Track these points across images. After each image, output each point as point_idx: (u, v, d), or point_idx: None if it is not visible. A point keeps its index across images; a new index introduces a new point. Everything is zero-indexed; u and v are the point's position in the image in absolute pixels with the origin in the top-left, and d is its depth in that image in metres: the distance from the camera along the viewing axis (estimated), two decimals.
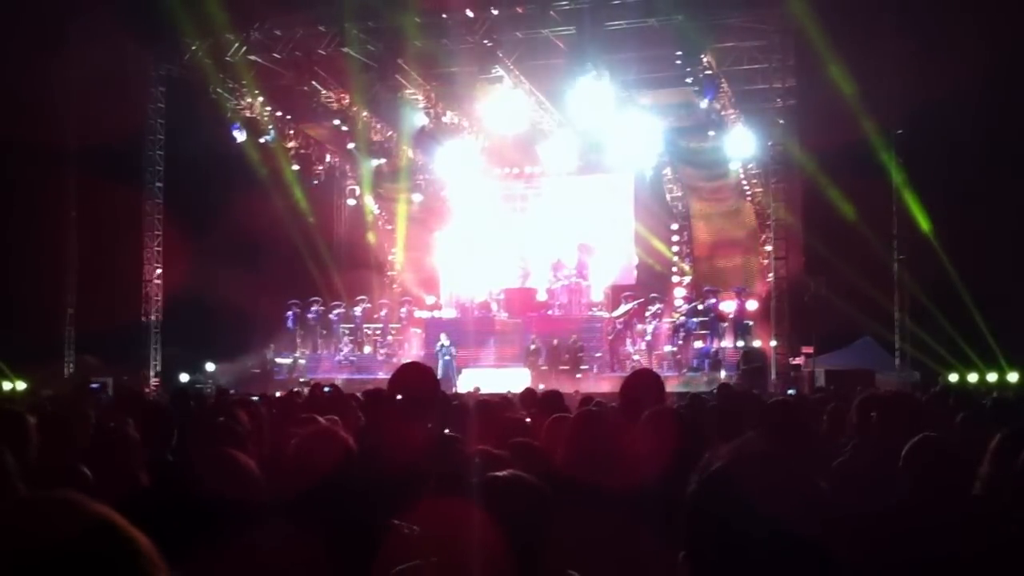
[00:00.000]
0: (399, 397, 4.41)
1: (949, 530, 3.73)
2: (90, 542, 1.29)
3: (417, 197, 32.77)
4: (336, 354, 29.60)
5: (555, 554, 2.71)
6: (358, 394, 10.07)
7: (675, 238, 31.30)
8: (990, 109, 24.15)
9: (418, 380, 4.41)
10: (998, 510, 3.95)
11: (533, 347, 26.72)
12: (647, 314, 27.24)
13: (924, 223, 25.28)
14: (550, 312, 28.75)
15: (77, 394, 13.83)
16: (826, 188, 24.33)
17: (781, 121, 24.69)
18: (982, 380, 24.17)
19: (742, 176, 28.49)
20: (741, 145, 26.96)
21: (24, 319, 27.37)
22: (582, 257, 29.64)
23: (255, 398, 10.68)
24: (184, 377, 27.68)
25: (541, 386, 21.12)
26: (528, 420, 6.86)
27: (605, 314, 28.52)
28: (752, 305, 26.95)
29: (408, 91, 27.48)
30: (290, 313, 29.79)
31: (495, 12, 24.19)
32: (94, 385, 20.62)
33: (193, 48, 26.88)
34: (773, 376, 24.06)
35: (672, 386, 22.42)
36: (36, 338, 27.50)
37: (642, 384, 5.27)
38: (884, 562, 3.52)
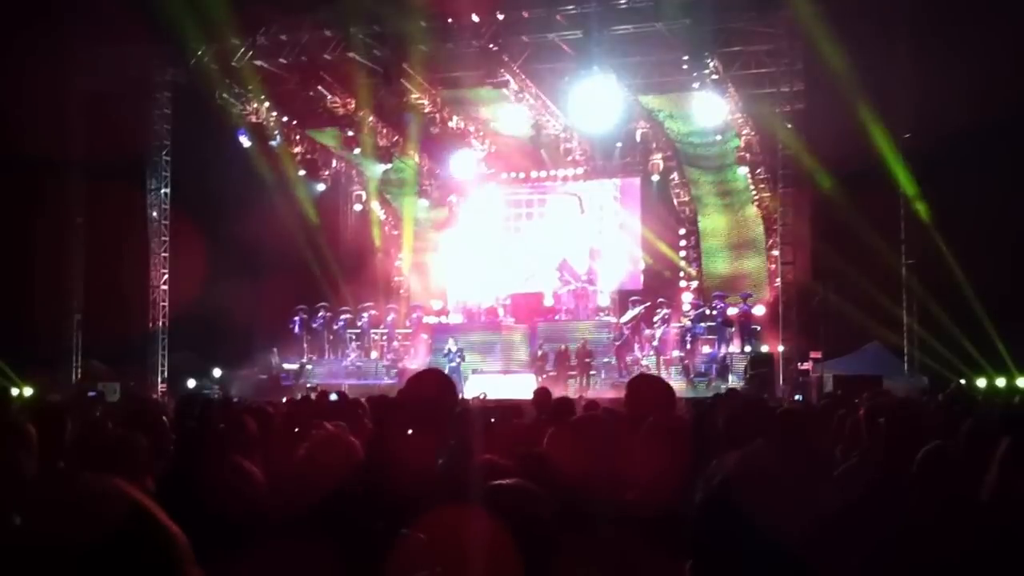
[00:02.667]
0: (412, 405, 4.37)
1: (955, 537, 3.70)
2: (130, 526, 1.31)
3: (423, 202, 32.78)
4: (343, 360, 29.59)
5: (560, 563, 2.69)
6: (362, 400, 10.05)
7: (682, 243, 31.22)
8: (1000, 114, 24.06)
9: (436, 389, 4.36)
10: (1004, 517, 3.92)
11: (541, 352, 26.71)
12: (655, 319, 27.22)
13: (923, 211, 25.28)
14: (557, 317, 28.74)
15: (75, 401, 13.83)
16: (834, 193, 24.27)
17: (788, 125, 24.66)
18: (991, 385, 24.07)
19: (749, 180, 28.45)
20: (748, 149, 26.93)
21: (31, 325, 27.43)
22: (592, 263, 29.66)
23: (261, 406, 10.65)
24: (191, 383, 27.70)
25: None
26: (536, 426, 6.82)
27: (612, 319, 28.50)
28: (760, 310, 26.92)
29: (414, 96, 27.48)
30: (296, 319, 29.79)
31: (501, 17, 24.20)
32: (92, 393, 20.63)
33: (199, 54, 26.86)
34: (781, 382, 24.00)
35: (679, 392, 22.41)
36: (43, 344, 27.55)
37: (648, 391, 5.23)
38: (889, 570, 3.50)
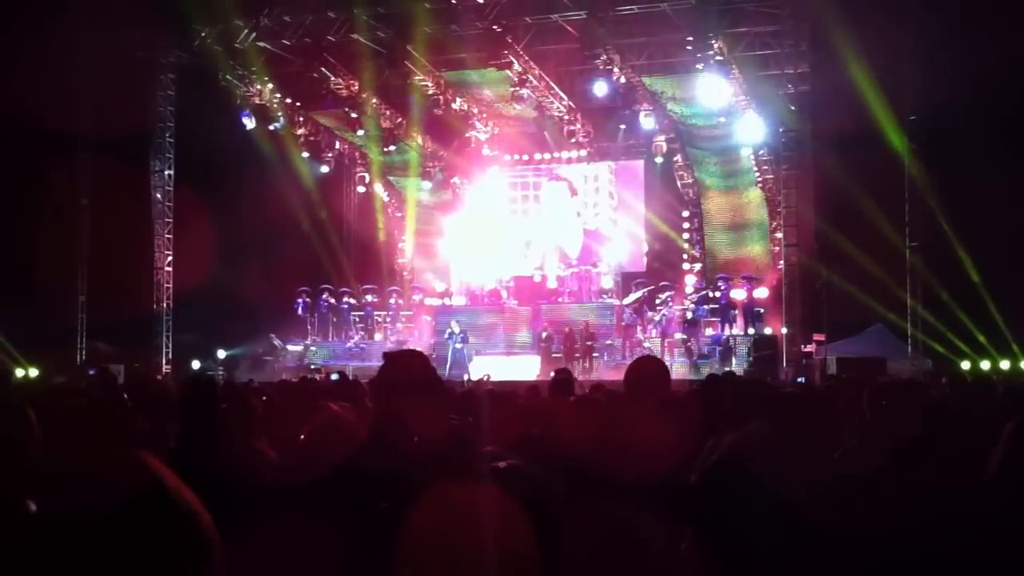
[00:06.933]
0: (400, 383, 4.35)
1: (955, 518, 3.71)
2: (150, 500, 1.30)
3: (427, 184, 32.77)
4: (346, 341, 29.63)
5: (566, 541, 2.69)
6: (362, 381, 10.05)
7: (686, 225, 31.21)
8: (1006, 95, 23.99)
9: (411, 367, 4.34)
10: (1007, 497, 3.92)
11: (545, 335, 26.70)
12: (658, 301, 27.20)
13: (918, 175, 25.30)
14: (560, 300, 28.73)
15: (74, 381, 13.85)
16: (838, 175, 24.24)
17: (793, 107, 24.59)
18: (994, 368, 24.08)
19: (753, 162, 28.40)
20: (752, 131, 26.84)
21: (36, 306, 27.46)
22: (587, 243, 29.64)
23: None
24: (196, 364, 27.74)
25: (552, 374, 21.08)
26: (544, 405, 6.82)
27: (615, 301, 28.49)
28: (763, 292, 26.88)
29: (418, 78, 27.42)
30: (300, 300, 29.83)
31: None
32: (92, 371, 20.69)
33: (203, 35, 26.83)
34: (784, 364, 24.00)
35: (682, 374, 22.46)
36: (48, 325, 27.55)
37: (646, 371, 5.23)
38: (888, 547, 3.51)
